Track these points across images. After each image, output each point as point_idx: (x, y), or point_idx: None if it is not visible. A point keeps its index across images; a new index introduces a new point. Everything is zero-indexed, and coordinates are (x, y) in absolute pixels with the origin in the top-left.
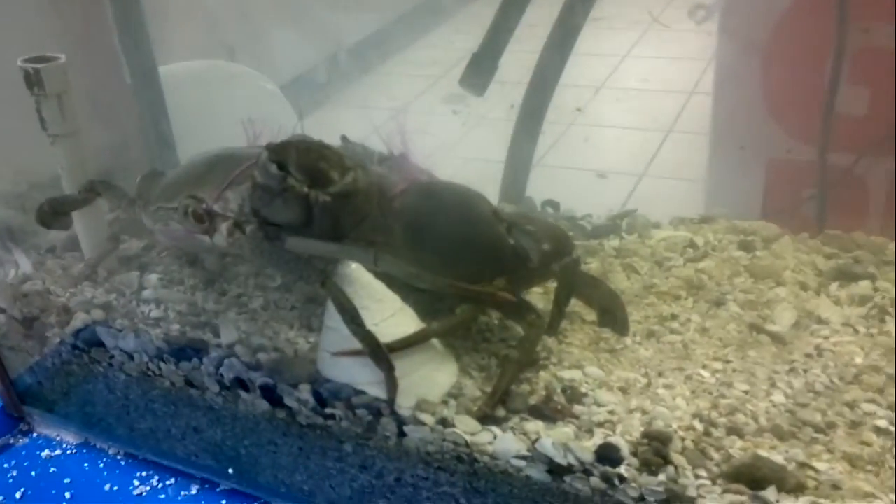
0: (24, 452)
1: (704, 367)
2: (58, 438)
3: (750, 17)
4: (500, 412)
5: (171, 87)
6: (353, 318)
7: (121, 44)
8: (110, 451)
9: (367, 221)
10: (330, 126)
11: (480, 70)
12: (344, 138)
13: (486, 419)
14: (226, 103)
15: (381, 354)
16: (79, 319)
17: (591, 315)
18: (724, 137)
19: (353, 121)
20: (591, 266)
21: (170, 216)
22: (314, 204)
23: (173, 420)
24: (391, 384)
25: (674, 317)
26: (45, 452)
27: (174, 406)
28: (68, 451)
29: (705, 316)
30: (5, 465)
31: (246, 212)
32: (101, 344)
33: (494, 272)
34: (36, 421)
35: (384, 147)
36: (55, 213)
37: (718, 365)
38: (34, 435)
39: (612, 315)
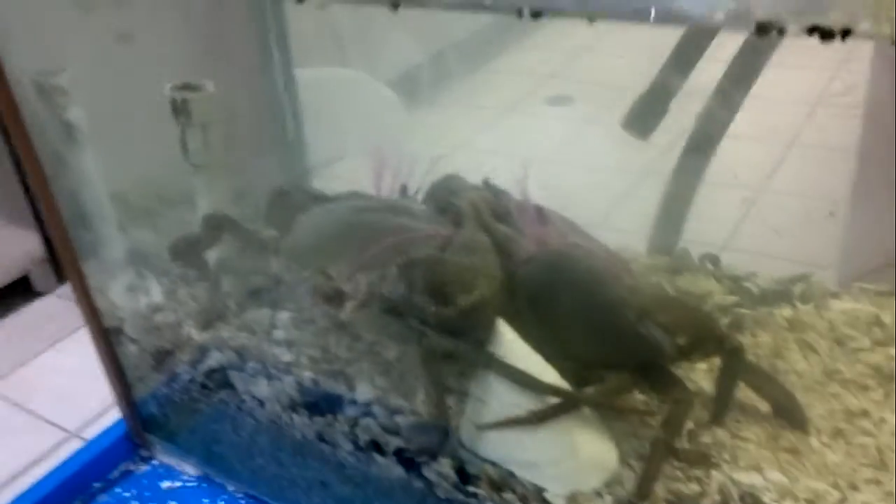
0: (144, 481)
1: None
2: (178, 468)
3: None
4: None
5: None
6: (525, 380)
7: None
8: (230, 489)
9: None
10: (438, 126)
11: (648, 112)
12: (486, 183)
13: None
14: (346, 111)
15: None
16: (212, 359)
17: (766, 405)
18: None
19: (461, 119)
20: (763, 340)
21: (297, 281)
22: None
23: (300, 470)
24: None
25: (864, 413)
26: (166, 483)
27: (302, 457)
28: (188, 484)
29: None
30: (126, 494)
31: (373, 292)
32: (231, 386)
33: (620, 363)
34: (156, 448)
35: (520, 194)
36: (189, 252)
37: None
38: (155, 462)
39: (788, 411)
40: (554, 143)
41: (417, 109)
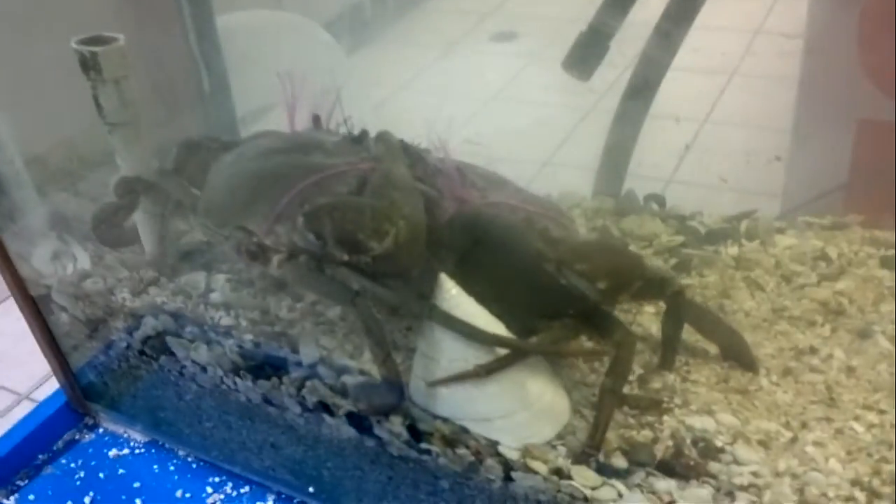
0: (90, 450)
1: (857, 418)
2: (125, 435)
3: None
4: (622, 463)
5: (225, 39)
6: (474, 334)
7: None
8: (180, 453)
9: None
10: (378, 64)
11: (588, 52)
12: (404, 144)
13: (587, 459)
14: (280, 55)
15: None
16: (147, 325)
17: (714, 347)
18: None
19: (401, 61)
20: (710, 280)
21: (219, 240)
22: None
23: (249, 433)
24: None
25: (813, 350)
26: (113, 451)
27: (251, 420)
28: (136, 451)
29: (849, 350)
30: (73, 465)
31: (296, 243)
32: (171, 353)
33: (553, 313)
34: (101, 416)
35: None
36: (111, 227)
37: (873, 416)
38: (100, 430)
39: (736, 352)
40: (500, 80)
41: (356, 51)
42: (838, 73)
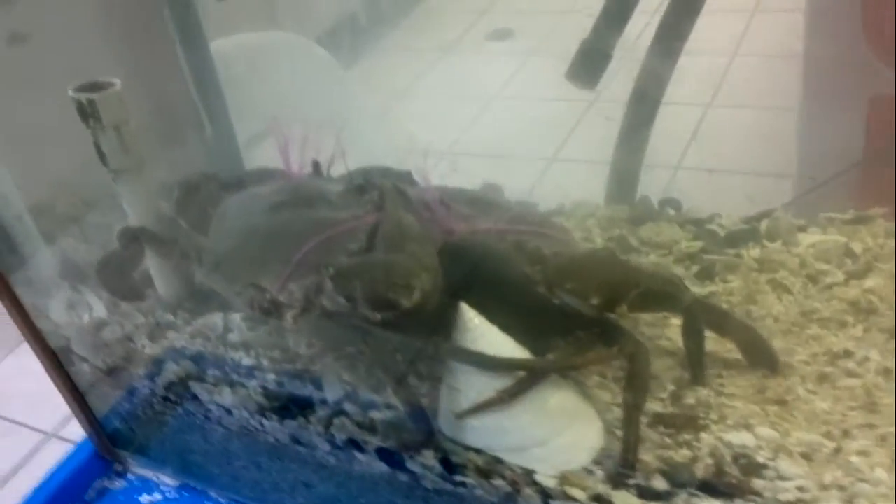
0: (121, 497)
1: None
2: (155, 480)
3: None
4: (662, 485)
5: (222, 65)
6: (485, 362)
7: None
8: (212, 495)
9: None
10: (379, 75)
11: (591, 60)
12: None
13: (623, 480)
14: (277, 77)
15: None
16: (170, 371)
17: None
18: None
19: (403, 67)
20: (734, 285)
21: (230, 296)
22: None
23: (281, 473)
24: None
25: (847, 354)
26: (145, 497)
27: (280, 460)
28: (168, 495)
29: (884, 351)
30: None
31: (311, 299)
32: (195, 397)
33: (558, 333)
34: (130, 462)
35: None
36: (120, 278)
37: None
38: (130, 476)
39: (757, 351)
40: (500, 80)
41: (354, 63)
42: (842, 48)
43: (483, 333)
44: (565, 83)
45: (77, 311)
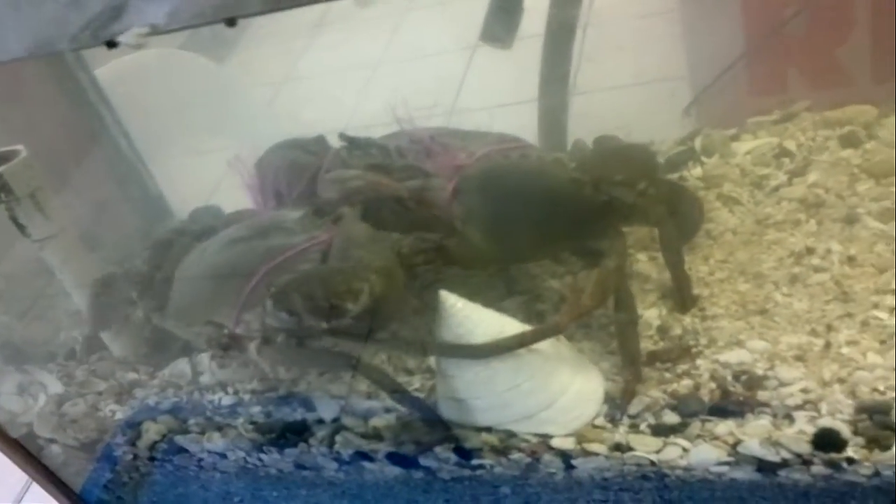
0: None
1: (876, 306)
2: None
3: None
4: (674, 418)
5: (117, 83)
6: (473, 351)
7: None
8: None
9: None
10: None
11: (502, 19)
12: (345, 138)
13: (631, 397)
14: (172, 91)
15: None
16: (151, 431)
17: (723, 272)
18: None
19: (277, 52)
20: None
21: (191, 338)
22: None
23: (289, 502)
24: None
25: (810, 251)
26: None
27: (286, 489)
28: None
29: (843, 240)
30: None
31: (269, 325)
32: (183, 449)
33: (598, 229)
34: None
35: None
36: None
37: (890, 299)
38: None
39: (678, 286)
40: (381, 42)
41: (225, 58)
42: None
43: (467, 315)
44: (448, 35)
45: (30, 393)
